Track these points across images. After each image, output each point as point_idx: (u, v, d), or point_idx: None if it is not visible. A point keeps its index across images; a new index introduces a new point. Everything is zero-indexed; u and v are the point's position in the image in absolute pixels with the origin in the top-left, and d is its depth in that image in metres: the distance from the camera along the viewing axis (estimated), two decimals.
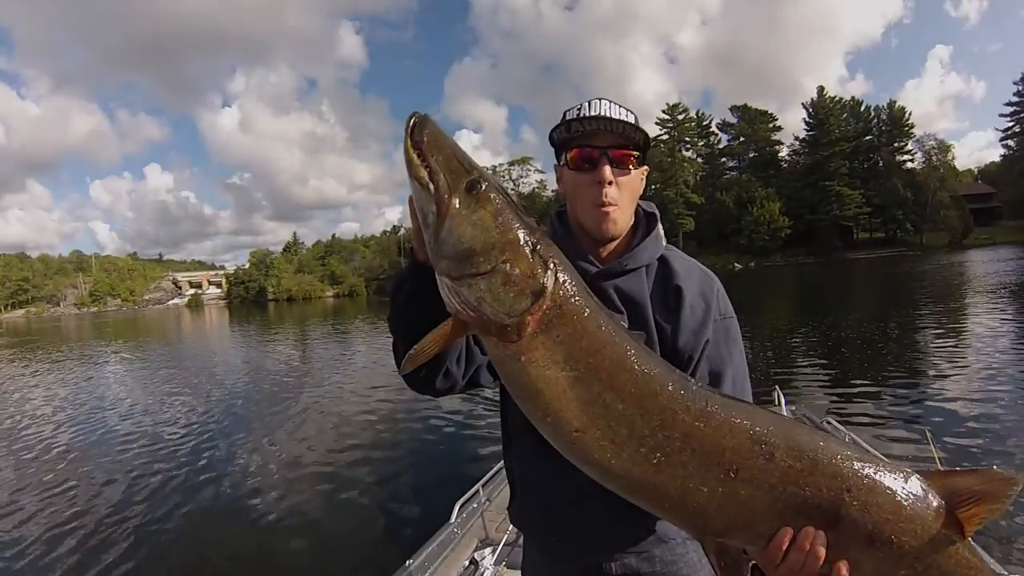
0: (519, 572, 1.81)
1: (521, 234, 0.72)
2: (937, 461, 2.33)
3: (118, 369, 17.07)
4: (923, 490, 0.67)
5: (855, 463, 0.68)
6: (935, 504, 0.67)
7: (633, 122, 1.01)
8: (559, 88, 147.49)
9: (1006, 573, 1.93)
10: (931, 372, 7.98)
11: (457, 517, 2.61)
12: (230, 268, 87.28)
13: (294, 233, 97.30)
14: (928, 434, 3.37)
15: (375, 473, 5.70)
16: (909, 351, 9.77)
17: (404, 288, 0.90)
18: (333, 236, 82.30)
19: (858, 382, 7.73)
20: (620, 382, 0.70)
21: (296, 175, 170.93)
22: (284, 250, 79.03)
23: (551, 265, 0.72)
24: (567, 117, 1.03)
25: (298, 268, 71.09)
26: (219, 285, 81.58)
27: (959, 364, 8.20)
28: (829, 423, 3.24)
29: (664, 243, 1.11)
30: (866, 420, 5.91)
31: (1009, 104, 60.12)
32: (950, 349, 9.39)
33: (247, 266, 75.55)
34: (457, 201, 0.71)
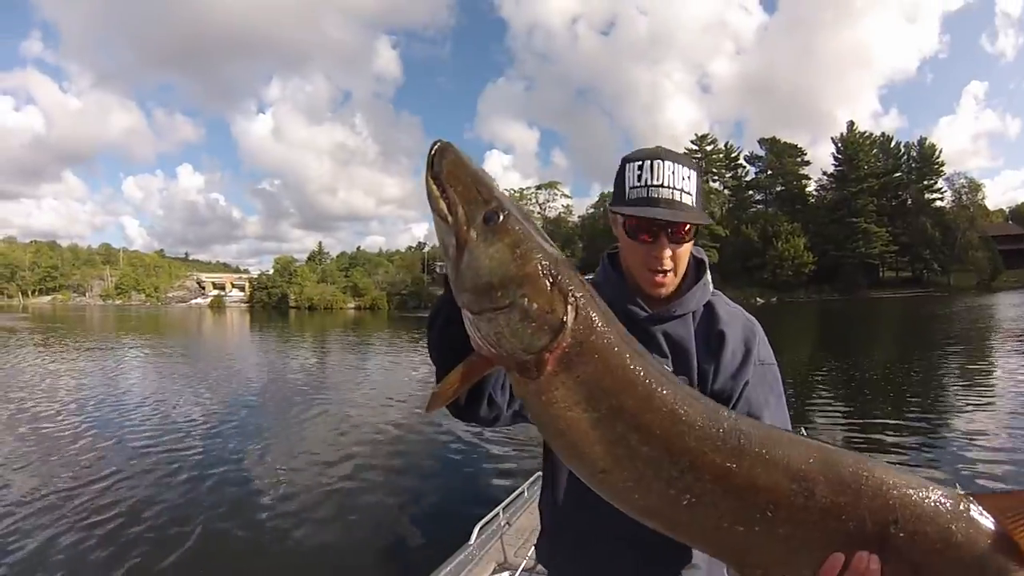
0: None
1: (541, 267, 0.69)
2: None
3: (139, 362, 17.53)
4: (975, 514, 0.63)
5: (902, 491, 0.64)
6: (989, 529, 0.63)
7: (694, 190, 1.01)
8: (591, 113, 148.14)
9: None
10: (954, 415, 7.88)
11: (476, 539, 2.55)
12: (254, 272, 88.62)
13: (319, 243, 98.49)
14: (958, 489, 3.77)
15: (393, 490, 5.63)
16: (933, 394, 9.70)
17: (438, 319, 0.88)
18: (358, 248, 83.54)
19: (880, 423, 7.60)
20: (646, 423, 0.67)
21: (325, 185, 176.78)
22: (309, 259, 79.67)
23: (571, 299, 0.69)
24: (629, 180, 1.01)
25: (321, 278, 71.79)
26: (242, 288, 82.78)
27: (984, 409, 8.08)
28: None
29: (711, 289, 1.13)
30: (889, 462, 6.17)
31: None
32: (975, 393, 9.29)
33: (271, 272, 76.31)
34: (475, 233, 0.70)
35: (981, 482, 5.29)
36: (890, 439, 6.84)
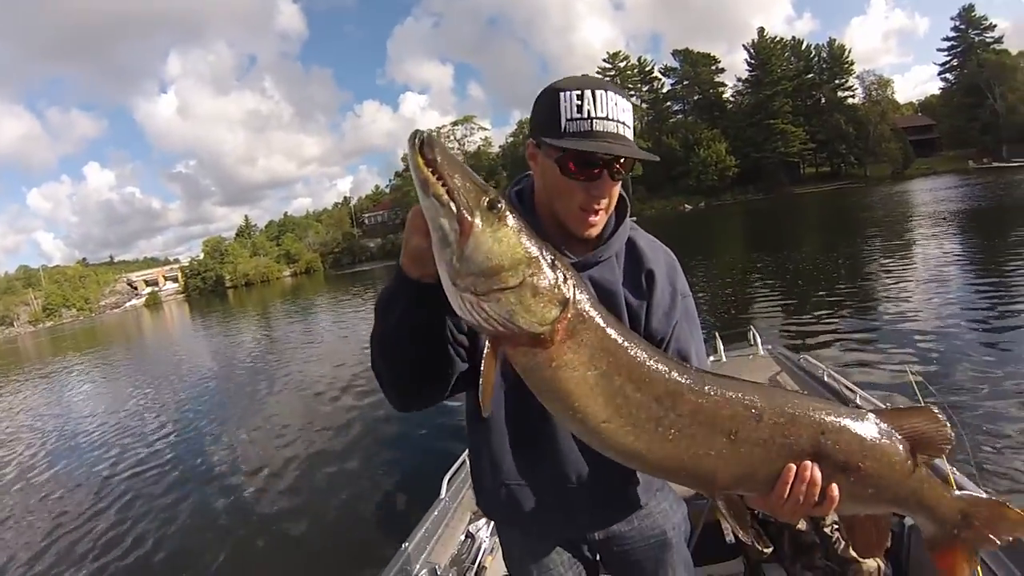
0: None
1: (543, 248, 0.78)
2: (913, 384, 2.44)
3: (84, 382, 16.27)
4: (879, 426, 0.84)
5: (824, 413, 0.83)
6: (888, 436, 0.84)
7: (632, 124, 0.96)
8: (504, 41, 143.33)
9: (955, 487, 2.06)
10: (886, 297, 8.23)
11: (447, 492, 2.57)
12: (185, 261, 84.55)
13: (246, 216, 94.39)
14: (909, 372, 3.44)
15: (360, 455, 5.64)
16: (863, 279, 10.05)
17: (396, 307, 0.87)
18: (285, 214, 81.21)
19: (822, 314, 7.86)
20: (636, 375, 0.79)
21: (243, 156, 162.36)
22: (237, 235, 77.10)
23: (569, 274, 0.79)
24: (567, 111, 0.91)
25: (253, 252, 69.47)
26: (175, 280, 79.03)
27: (910, 287, 8.50)
28: (807, 360, 3.24)
29: (631, 225, 1.12)
30: (835, 351, 6.08)
31: (946, 39, 61.64)
32: (900, 274, 9.73)
33: (201, 256, 73.43)
34: (480, 219, 0.74)
35: (907, 352, 5.57)
36: (833, 328, 7.05)
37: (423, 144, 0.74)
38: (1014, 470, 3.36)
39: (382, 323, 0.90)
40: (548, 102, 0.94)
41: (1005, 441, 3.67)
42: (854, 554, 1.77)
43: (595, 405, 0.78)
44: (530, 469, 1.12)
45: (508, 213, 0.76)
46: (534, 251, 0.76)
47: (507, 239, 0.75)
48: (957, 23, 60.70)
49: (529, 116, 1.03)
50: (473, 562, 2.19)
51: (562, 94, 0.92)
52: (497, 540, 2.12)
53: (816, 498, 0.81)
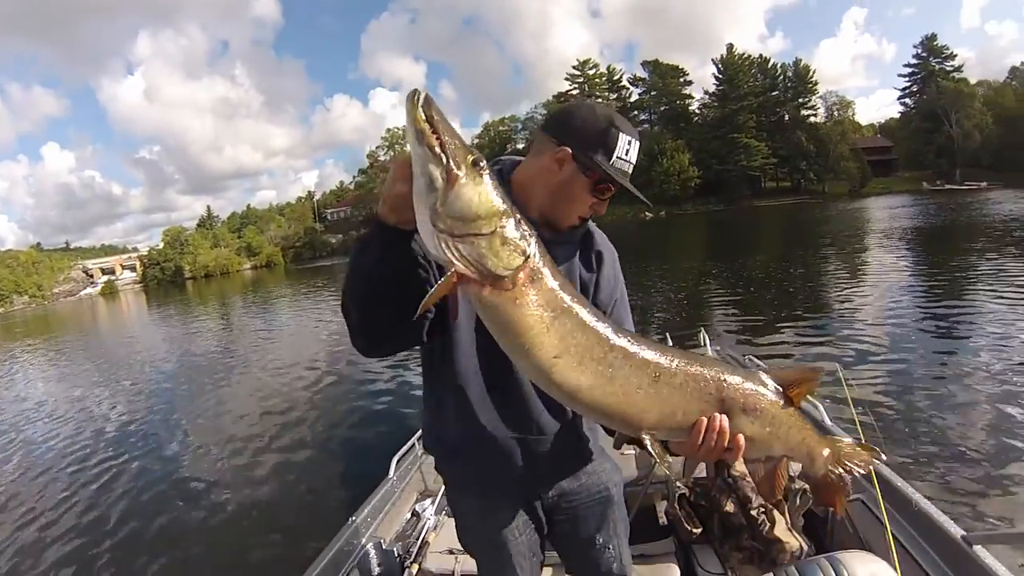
0: None
1: (511, 205, 0.90)
2: (845, 389, 2.67)
3: (35, 373, 15.41)
4: (770, 381, 1.02)
5: (728, 369, 1.00)
6: (776, 387, 1.02)
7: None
8: (479, 42, 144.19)
9: (831, 426, 2.35)
10: (835, 306, 8.69)
11: (395, 472, 2.67)
12: (144, 250, 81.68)
13: (208, 207, 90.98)
14: (839, 369, 3.84)
15: (312, 439, 5.73)
16: (814, 289, 10.44)
17: (371, 248, 0.99)
18: (248, 206, 79.10)
19: (771, 320, 8.24)
20: (582, 321, 0.93)
21: (209, 144, 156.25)
22: (199, 225, 74.89)
23: (530, 230, 0.91)
24: (619, 150, 1.15)
25: (214, 243, 67.75)
26: (133, 269, 76.55)
27: (858, 299, 8.90)
28: (751, 360, 3.44)
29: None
30: (780, 354, 6.43)
31: (908, 65, 64.13)
32: (850, 286, 10.12)
33: (161, 246, 71.19)
34: (464, 171, 0.85)
35: (853, 355, 5.94)
36: (782, 334, 7.39)
37: (425, 101, 0.84)
38: (920, 452, 3.73)
39: (357, 267, 1.01)
40: (604, 131, 1.15)
41: (921, 431, 4.03)
42: (778, 535, 1.95)
43: (548, 343, 0.90)
44: (497, 421, 1.23)
45: (486, 171, 0.88)
46: (506, 208, 0.89)
47: (485, 193, 0.86)
48: (919, 51, 63.25)
49: (564, 123, 1.20)
50: (417, 538, 2.26)
51: (621, 135, 1.15)
52: (441, 518, 2.34)
53: (726, 443, 0.96)
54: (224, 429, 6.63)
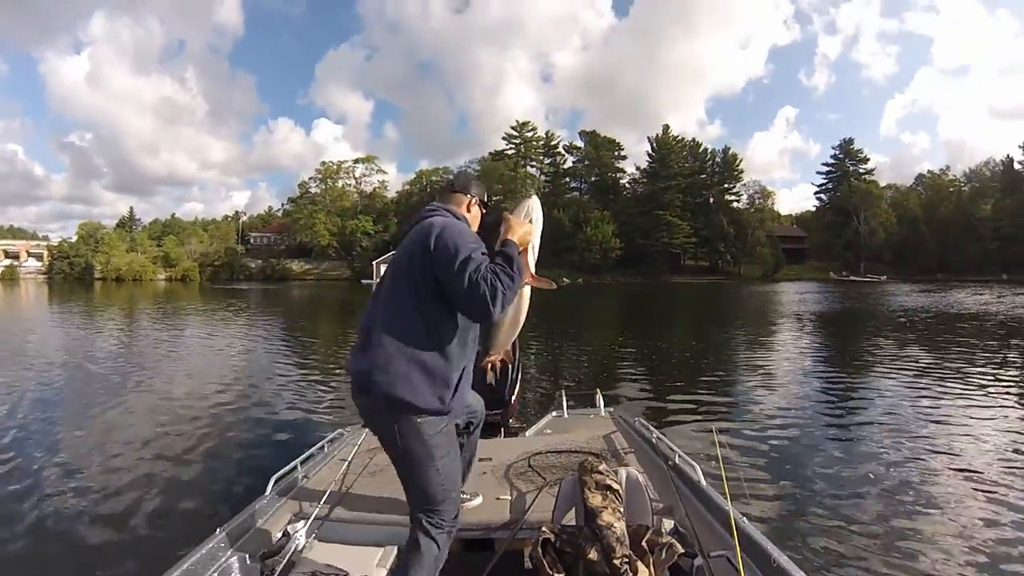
0: (330, 545, 2.28)
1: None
2: (718, 450, 3.20)
3: None
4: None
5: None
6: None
7: None
8: (431, 88, 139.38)
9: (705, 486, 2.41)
10: (731, 378, 9.04)
11: (272, 491, 2.64)
12: (55, 240, 76.53)
13: (131, 208, 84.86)
14: (714, 432, 4.49)
15: (193, 454, 5.64)
16: (715, 362, 10.78)
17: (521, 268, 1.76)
18: (173, 215, 76.97)
19: (667, 388, 8.48)
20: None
21: (146, 144, 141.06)
22: (118, 225, 71.56)
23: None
24: (489, 200, 2.10)
25: (131, 247, 64.46)
26: (40, 258, 71.45)
27: (754, 372, 9.34)
28: (641, 423, 3.59)
29: None
30: (669, 420, 6.54)
31: (826, 164, 70.16)
32: (750, 361, 10.59)
33: (75, 239, 67.09)
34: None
35: (736, 422, 6.26)
36: (676, 403, 7.56)
37: None
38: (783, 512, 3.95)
39: (520, 274, 1.72)
40: (485, 192, 2.06)
41: (787, 493, 4.22)
42: None
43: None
44: (468, 368, 1.91)
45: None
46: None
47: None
48: (837, 152, 69.47)
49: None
50: (284, 558, 2.26)
51: (494, 198, 2.16)
52: (311, 542, 2.46)
53: None
54: (105, 436, 6.41)
